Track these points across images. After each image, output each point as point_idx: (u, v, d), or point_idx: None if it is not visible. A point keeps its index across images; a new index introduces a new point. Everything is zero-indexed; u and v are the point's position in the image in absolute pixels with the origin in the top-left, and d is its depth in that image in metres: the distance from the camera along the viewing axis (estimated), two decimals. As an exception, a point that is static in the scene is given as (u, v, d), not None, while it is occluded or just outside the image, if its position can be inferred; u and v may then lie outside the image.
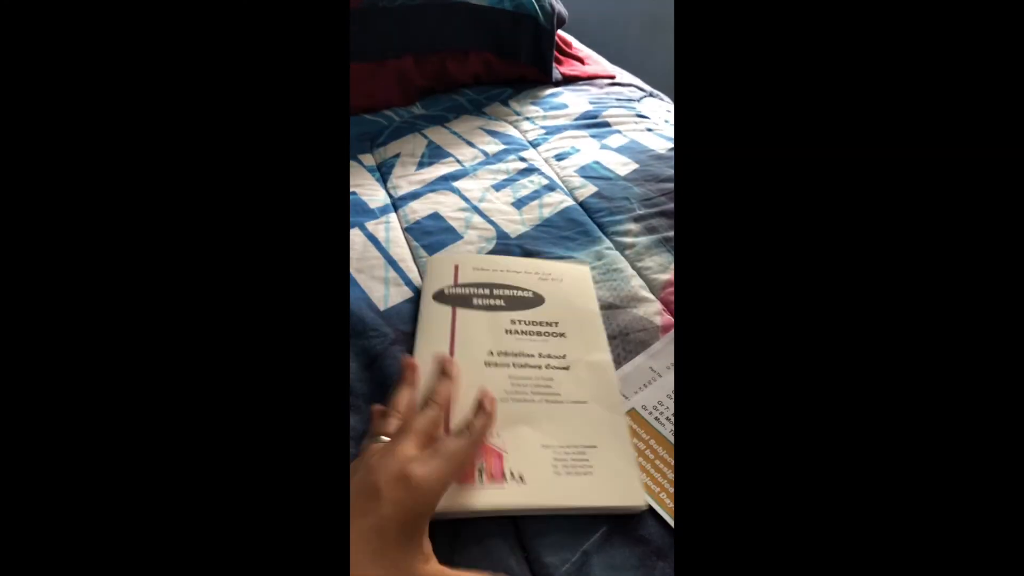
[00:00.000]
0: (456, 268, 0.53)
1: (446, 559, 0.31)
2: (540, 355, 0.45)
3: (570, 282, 0.53)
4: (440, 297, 0.50)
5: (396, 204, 0.65)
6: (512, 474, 0.36)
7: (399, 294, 0.51)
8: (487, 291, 0.50)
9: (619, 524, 0.35)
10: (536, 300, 0.50)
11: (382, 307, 0.50)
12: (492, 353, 0.45)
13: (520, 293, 0.51)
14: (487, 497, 0.35)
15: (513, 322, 0.48)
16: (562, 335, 0.47)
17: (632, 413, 0.41)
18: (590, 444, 0.39)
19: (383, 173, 0.72)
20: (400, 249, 0.57)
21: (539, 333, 0.47)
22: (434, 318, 0.48)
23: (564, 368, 0.44)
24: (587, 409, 0.41)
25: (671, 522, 0.35)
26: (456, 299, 0.49)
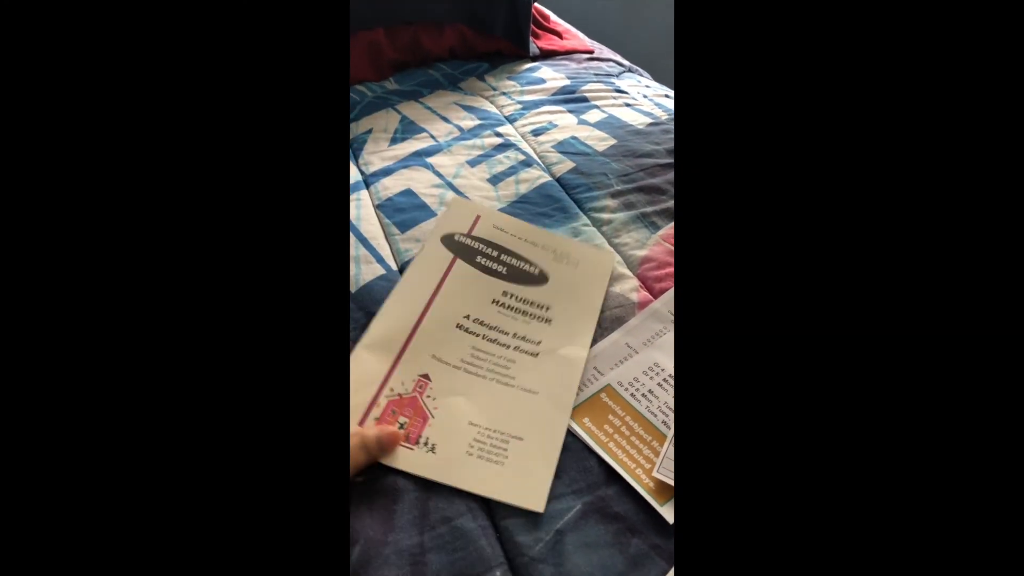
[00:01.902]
0: (477, 219, 0.52)
1: (416, 537, 0.30)
2: (515, 335, 0.44)
3: (586, 268, 0.50)
4: (448, 241, 0.49)
5: (368, 181, 0.63)
6: (426, 442, 0.36)
7: (371, 272, 0.50)
8: (495, 253, 0.50)
9: (594, 501, 0.34)
10: (539, 279, 0.49)
11: (353, 288, 0.49)
12: (468, 318, 0.44)
13: (526, 267, 0.49)
14: (394, 455, 0.35)
15: (505, 294, 0.47)
16: (548, 321, 0.46)
17: (608, 389, 0.41)
18: (517, 435, 0.37)
19: (354, 149, 0.70)
20: (371, 227, 0.56)
21: (525, 312, 0.46)
22: (431, 259, 0.47)
23: (532, 355, 0.43)
24: (534, 400, 0.40)
25: (647, 497, 0.34)
26: (461, 249, 0.49)
